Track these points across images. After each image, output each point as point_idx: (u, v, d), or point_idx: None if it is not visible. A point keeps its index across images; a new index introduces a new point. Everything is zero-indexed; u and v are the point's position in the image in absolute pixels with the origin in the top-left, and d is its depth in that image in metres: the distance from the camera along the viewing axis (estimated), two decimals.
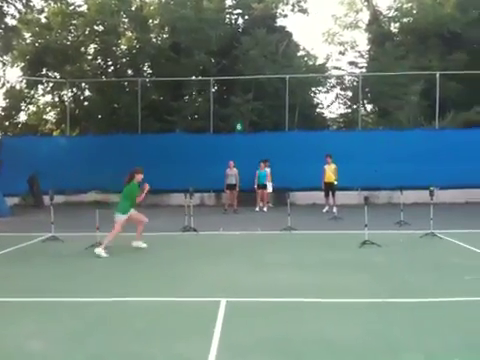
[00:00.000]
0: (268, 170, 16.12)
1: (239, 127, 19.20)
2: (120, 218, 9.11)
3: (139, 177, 9.44)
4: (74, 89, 21.83)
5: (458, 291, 6.30)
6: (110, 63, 22.41)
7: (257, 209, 15.82)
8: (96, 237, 9.29)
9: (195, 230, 11.22)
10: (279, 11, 24.16)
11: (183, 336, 4.86)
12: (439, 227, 10.31)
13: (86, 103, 22.55)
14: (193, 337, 4.81)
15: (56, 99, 22.94)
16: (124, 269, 7.97)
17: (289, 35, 23.35)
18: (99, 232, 9.37)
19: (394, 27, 25.16)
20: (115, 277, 7.44)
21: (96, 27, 21.67)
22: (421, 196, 14.21)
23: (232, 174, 15.52)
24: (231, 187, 15.58)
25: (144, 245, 9.56)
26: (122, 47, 22.41)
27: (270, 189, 16.13)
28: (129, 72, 22.34)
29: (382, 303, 5.83)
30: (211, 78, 19.66)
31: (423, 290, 6.38)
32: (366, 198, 10.00)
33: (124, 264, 8.34)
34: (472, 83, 19.97)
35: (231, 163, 15.50)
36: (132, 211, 9.32)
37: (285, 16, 24.38)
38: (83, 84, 21.86)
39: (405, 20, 24.23)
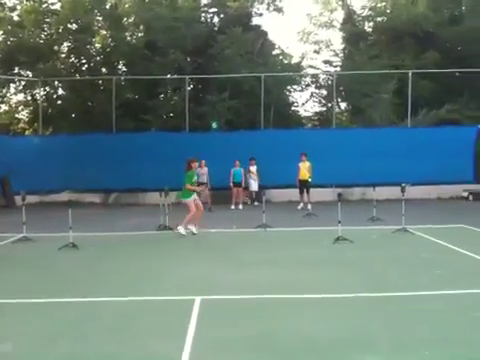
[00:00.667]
0: (254, 168, 16.34)
1: (215, 125, 19.19)
2: (187, 200, 10.47)
3: (194, 165, 10.83)
4: (47, 88, 21.44)
5: (429, 285, 6.46)
6: (84, 61, 22.03)
7: (233, 207, 15.86)
8: (69, 237, 9.19)
9: (171, 229, 11.19)
10: (254, 10, 24.26)
11: (157, 335, 4.85)
12: (411, 222, 10.53)
13: (59, 102, 22.10)
14: (167, 335, 4.81)
15: (29, 98, 22.47)
16: (97, 269, 7.87)
17: (264, 34, 23.44)
18: (72, 232, 9.26)
19: (368, 26, 25.44)
20: (87, 277, 7.33)
21: (70, 25, 21.32)
22: (393, 192, 14.43)
23: (203, 173, 15.51)
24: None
25: (183, 232, 10.48)
26: (96, 45, 22.11)
27: (255, 187, 16.29)
28: (103, 70, 22.02)
29: (355, 298, 5.92)
30: (186, 76, 19.57)
31: (395, 284, 6.50)
32: (339, 195, 10.16)
33: (97, 264, 8.24)
34: (444, 81, 20.39)
35: (202, 162, 15.44)
36: (195, 195, 10.64)
37: (260, 15, 24.47)
38: (56, 83, 21.46)
39: (379, 19, 24.52)
